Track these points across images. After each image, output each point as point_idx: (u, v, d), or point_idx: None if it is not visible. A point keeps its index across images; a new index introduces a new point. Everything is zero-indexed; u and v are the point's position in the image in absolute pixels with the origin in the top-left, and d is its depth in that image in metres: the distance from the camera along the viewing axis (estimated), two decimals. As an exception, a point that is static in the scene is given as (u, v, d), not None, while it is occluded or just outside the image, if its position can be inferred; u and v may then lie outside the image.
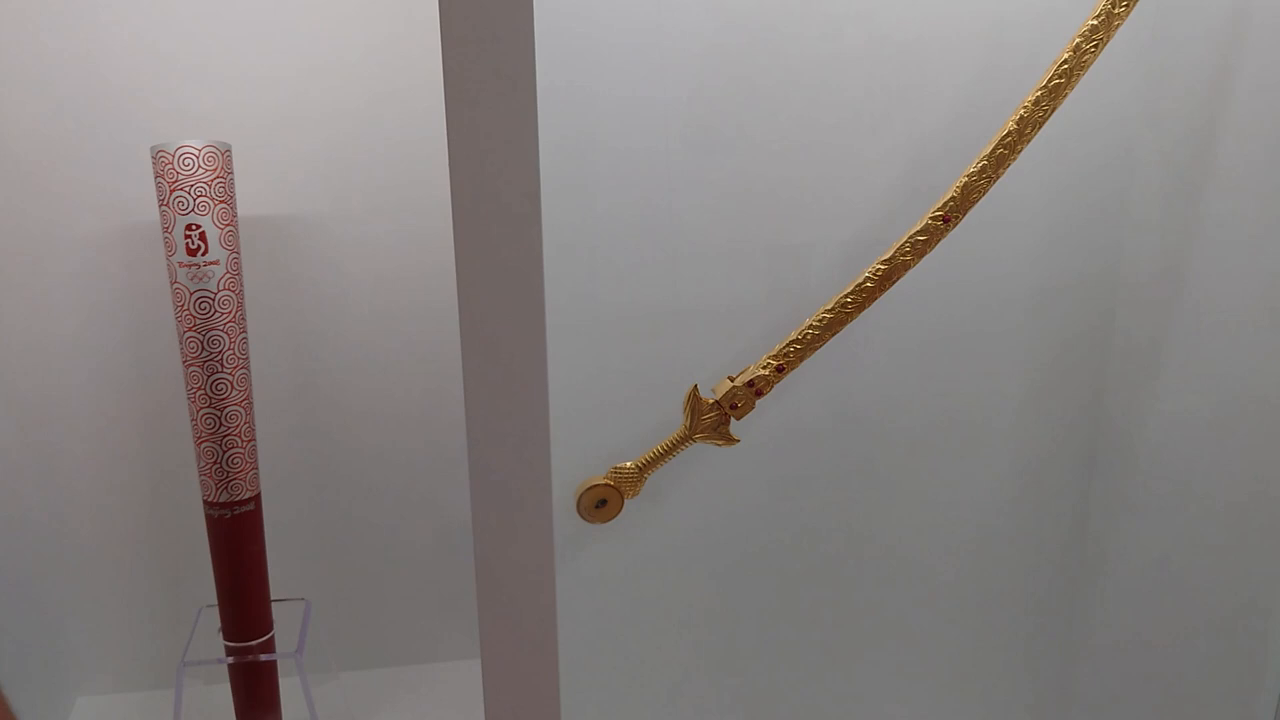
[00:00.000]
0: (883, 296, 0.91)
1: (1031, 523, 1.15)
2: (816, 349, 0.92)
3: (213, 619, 1.13)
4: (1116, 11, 0.84)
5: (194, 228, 0.97)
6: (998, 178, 0.87)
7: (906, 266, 0.90)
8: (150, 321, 1.18)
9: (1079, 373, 1.10)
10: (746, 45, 0.94)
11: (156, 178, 0.96)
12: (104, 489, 1.23)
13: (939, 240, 0.89)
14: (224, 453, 1.03)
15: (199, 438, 1.03)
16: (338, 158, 1.16)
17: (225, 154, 0.98)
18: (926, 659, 1.18)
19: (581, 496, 0.94)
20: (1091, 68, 0.87)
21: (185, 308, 0.99)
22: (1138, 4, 0.85)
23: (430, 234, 1.17)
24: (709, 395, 0.94)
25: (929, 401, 1.08)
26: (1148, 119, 1.02)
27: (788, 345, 0.92)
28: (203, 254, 0.97)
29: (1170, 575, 1.08)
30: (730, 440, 0.95)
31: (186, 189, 0.96)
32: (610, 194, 0.94)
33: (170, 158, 0.95)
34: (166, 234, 0.98)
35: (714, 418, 0.94)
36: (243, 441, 1.04)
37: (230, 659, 1.10)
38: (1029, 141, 0.87)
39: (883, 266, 0.90)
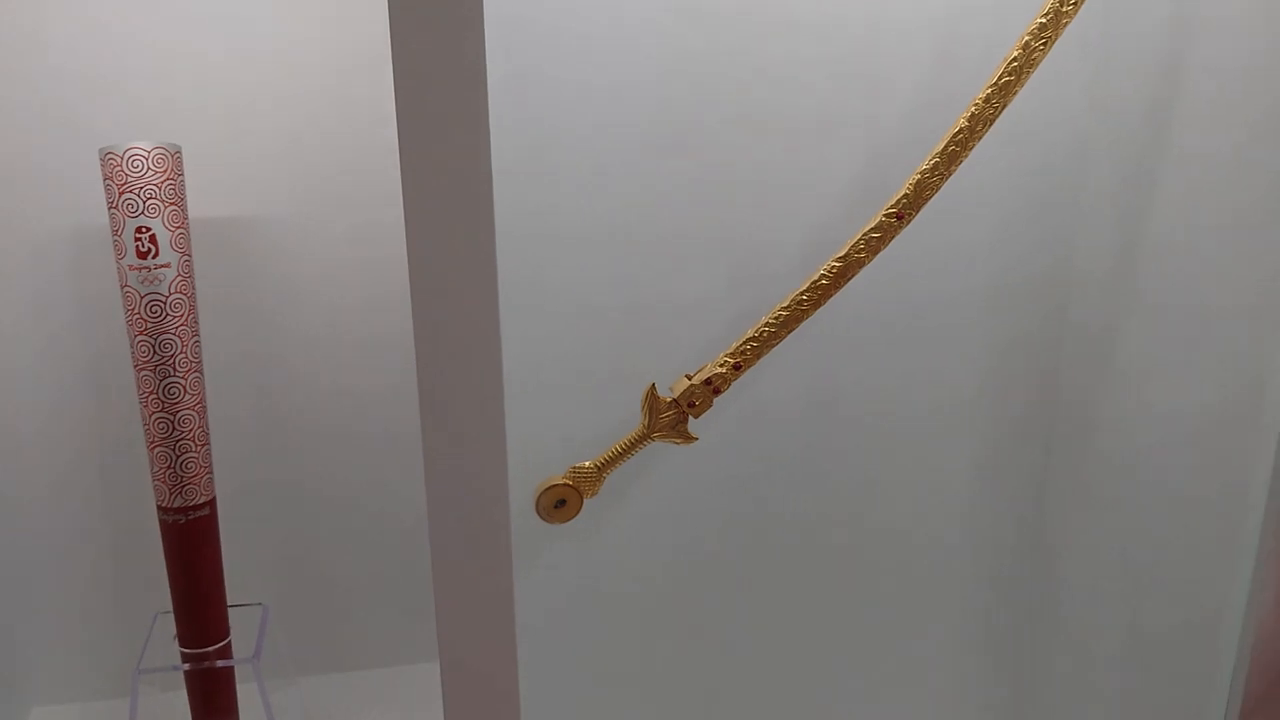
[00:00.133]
0: (842, 292, 0.92)
1: (991, 516, 1.16)
2: (773, 346, 0.93)
3: (168, 625, 1.11)
4: (1064, 10, 0.84)
5: (144, 230, 0.95)
6: (950, 174, 0.88)
7: (861, 263, 0.90)
8: (102, 325, 1.16)
9: (1035, 366, 1.11)
10: (707, 37, 0.94)
11: (105, 180, 0.95)
12: (56, 495, 1.21)
13: (893, 237, 0.89)
14: (178, 457, 1.02)
15: (152, 442, 1.01)
16: (289, 154, 1.15)
17: (175, 155, 0.97)
18: (890, 654, 1.19)
19: (540, 497, 0.93)
20: (1043, 65, 0.88)
21: (136, 311, 0.97)
22: (1085, 3, 0.85)
23: (386, 228, 1.16)
24: (667, 394, 0.94)
25: (888, 397, 1.09)
26: (1098, 115, 1.03)
27: (744, 343, 0.92)
28: (153, 257, 0.96)
29: (1126, 564, 1.09)
30: (689, 438, 0.95)
31: (136, 191, 0.94)
32: (568, 191, 0.94)
33: (119, 160, 0.94)
34: (116, 237, 0.96)
35: (672, 416, 0.94)
36: (197, 446, 1.02)
37: (186, 666, 1.09)
38: (980, 138, 0.87)
39: (838, 264, 0.90)
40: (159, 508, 1.04)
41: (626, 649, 1.09)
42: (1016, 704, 1.24)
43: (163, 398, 1.00)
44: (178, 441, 1.01)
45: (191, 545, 1.05)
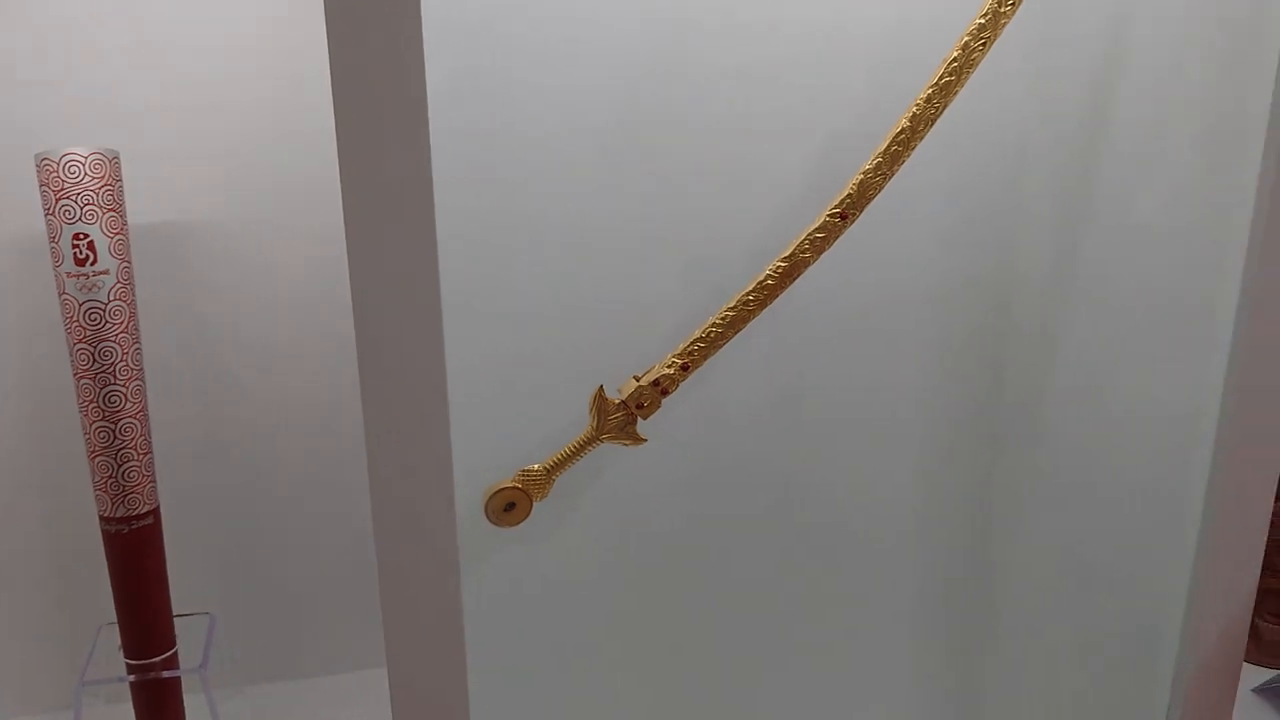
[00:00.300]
0: (793, 295, 0.92)
1: (941, 515, 1.17)
2: (721, 346, 0.93)
3: (113, 637, 1.10)
4: (1003, 10, 0.85)
5: (82, 237, 0.94)
6: (893, 174, 0.89)
7: (807, 263, 0.91)
8: (41, 334, 1.14)
9: (982, 365, 1.12)
10: (656, 39, 0.94)
11: (41, 186, 0.94)
12: (-4, 506, 1.19)
13: (837, 236, 0.90)
14: (119, 466, 1.00)
15: (92, 452, 1.00)
16: (229, 158, 1.14)
17: (113, 161, 0.96)
18: (844, 652, 1.20)
19: (489, 500, 0.93)
20: (988, 68, 0.89)
21: (75, 319, 0.96)
22: (1023, 4, 0.86)
23: (329, 232, 1.15)
24: (615, 395, 0.94)
25: (839, 398, 1.09)
26: (1040, 118, 1.04)
27: (692, 344, 0.92)
28: (92, 264, 0.95)
29: (1073, 560, 1.11)
30: (638, 440, 0.95)
31: (73, 197, 0.93)
32: (515, 192, 0.93)
33: (55, 165, 0.92)
34: (53, 244, 0.95)
35: (620, 418, 0.94)
36: (139, 454, 1.01)
37: (132, 677, 1.07)
38: (922, 138, 0.88)
39: (783, 264, 0.91)
40: (101, 517, 1.03)
41: (577, 652, 1.09)
42: (968, 696, 1.25)
43: (103, 406, 0.98)
44: (119, 450, 1.00)
45: (135, 555, 1.04)
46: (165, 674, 1.08)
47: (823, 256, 0.92)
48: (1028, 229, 1.08)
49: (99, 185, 0.94)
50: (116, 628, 1.08)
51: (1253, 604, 0.95)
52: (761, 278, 0.91)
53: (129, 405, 0.99)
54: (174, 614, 1.10)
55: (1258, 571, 0.94)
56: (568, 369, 0.96)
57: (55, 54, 1.08)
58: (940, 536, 1.18)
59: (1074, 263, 1.05)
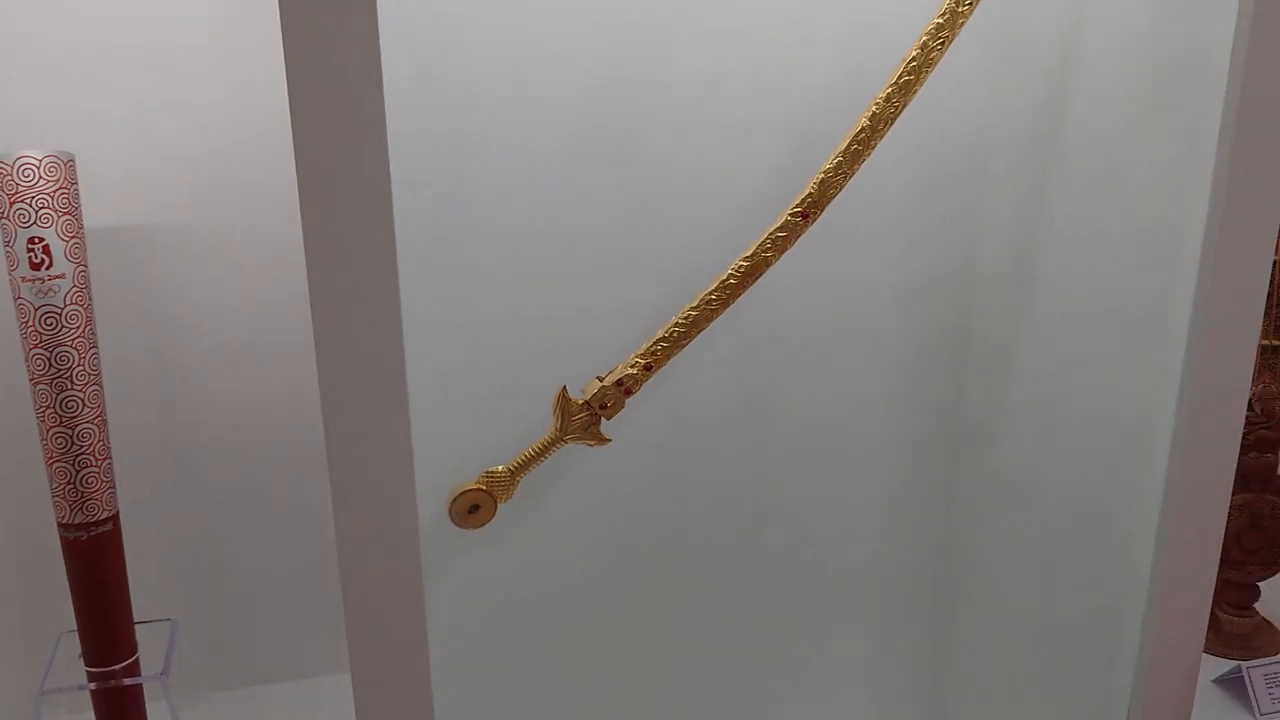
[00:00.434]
0: (754, 293, 0.92)
1: (905, 512, 1.18)
2: (684, 346, 0.93)
3: (74, 644, 1.09)
4: (960, 10, 0.86)
5: (37, 241, 0.93)
6: (853, 173, 0.89)
7: (769, 262, 0.91)
8: (-5, 338, 1.13)
9: (942, 368, 1.13)
10: (616, 45, 0.94)
11: (-5, 189, 0.92)
12: (-49, 515, 1.18)
13: (798, 236, 0.90)
14: (78, 472, 0.99)
15: (50, 458, 0.99)
16: (187, 161, 1.13)
17: (69, 164, 0.95)
18: (808, 652, 1.20)
19: (453, 502, 0.93)
20: (948, 70, 0.89)
21: (30, 324, 0.95)
22: (980, 3, 0.87)
23: (289, 236, 1.14)
24: (579, 396, 0.94)
25: (801, 397, 1.10)
26: (1001, 122, 1.05)
27: (655, 344, 0.93)
28: (47, 268, 0.93)
29: (1035, 560, 1.12)
30: (602, 440, 0.95)
31: (27, 201, 0.92)
32: (477, 193, 0.93)
33: (9, 169, 0.91)
34: (8, 248, 0.94)
35: (584, 418, 0.94)
36: (97, 460, 1.00)
37: (93, 685, 1.06)
38: (882, 137, 0.89)
39: (745, 263, 0.91)
40: (60, 524, 1.01)
41: (542, 654, 1.09)
42: (934, 690, 1.26)
43: (60, 412, 0.97)
44: (77, 456, 0.99)
45: (95, 562, 1.03)
46: (127, 681, 1.07)
47: (786, 260, 0.92)
48: (988, 233, 1.09)
49: (54, 188, 0.93)
50: (77, 635, 1.06)
51: (1211, 596, 0.96)
52: (724, 277, 0.91)
53: (86, 410, 0.98)
54: (135, 621, 1.08)
55: (1216, 564, 0.95)
56: (531, 371, 0.96)
57: (8, 56, 1.07)
58: (905, 535, 1.18)
59: (1033, 266, 1.06)
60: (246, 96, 1.12)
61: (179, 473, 1.22)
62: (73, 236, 0.95)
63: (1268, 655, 1.36)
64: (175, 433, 1.21)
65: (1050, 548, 1.10)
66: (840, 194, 0.91)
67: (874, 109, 0.88)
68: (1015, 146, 1.05)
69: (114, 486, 1.03)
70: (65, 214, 0.94)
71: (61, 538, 1.02)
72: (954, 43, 0.88)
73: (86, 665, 1.06)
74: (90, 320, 0.98)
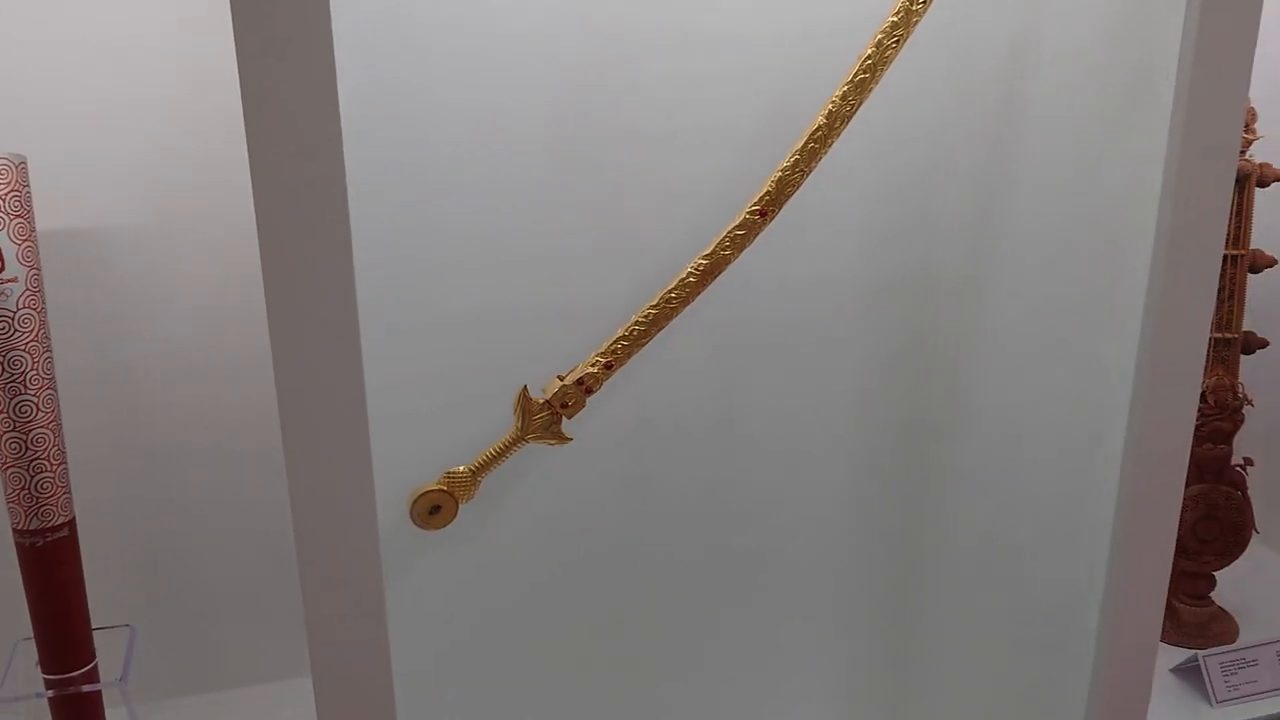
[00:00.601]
0: (719, 297, 0.93)
1: (865, 512, 1.18)
2: (644, 344, 0.93)
3: (31, 652, 1.07)
4: (914, 9, 0.87)
5: (-12, 244, 0.92)
6: (810, 170, 0.90)
7: (728, 260, 0.91)
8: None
9: (904, 369, 1.14)
10: (580, 48, 0.94)
11: (-55, 193, 0.91)
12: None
13: (757, 234, 0.91)
14: (32, 478, 0.98)
15: (3, 464, 0.97)
16: (142, 163, 1.12)
17: (20, 166, 0.93)
18: (773, 652, 1.20)
19: (414, 503, 0.92)
20: (907, 71, 0.90)
21: (-18, 328, 0.94)
22: (934, 3, 0.88)
23: (245, 238, 1.13)
24: (539, 395, 0.94)
25: (763, 399, 1.10)
26: (960, 124, 1.06)
27: (615, 342, 0.93)
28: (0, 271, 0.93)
29: (991, 550, 1.13)
30: (563, 439, 0.95)
31: (-22, 203, 0.91)
32: (437, 196, 0.93)
33: (-42, 171, 0.90)
34: (-42, 251, 0.93)
35: (545, 418, 0.94)
36: (52, 465, 0.99)
37: (50, 692, 1.05)
38: (839, 134, 0.89)
39: (705, 261, 0.91)
40: (14, 530, 1.00)
41: (505, 655, 1.08)
42: (895, 684, 1.27)
43: (14, 417, 0.96)
44: (31, 461, 0.97)
45: (51, 568, 1.01)
46: (85, 688, 1.05)
47: (749, 263, 0.93)
48: (948, 235, 1.10)
49: (5, 191, 0.92)
50: (33, 642, 1.05)
51: (1168, 586, 0.98)
52: (683, 275, 0.92)
53: (40, 415, 0.97)
54: (93, 627, 1.07)
55: (1171, 554, 0.96)
56: (492, 373, 0.96)
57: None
58: (868, 531, 1.19)
59: (991, 267, 1.07)
60: (202, 98, 1.11)
61: (136, 477, 1.21)
62: (25, 240, 0.94)
63: (1223, 644, 1.37)
64: (132, 437, 1.20)
65: (1009, 542, 1.12)
66: (803, 197, 0.91)
67: (830, 107, 0.89)
68: (973, 152, 1.06)
69: (70, 492, 1.02)
70: (17, 217, 0.93)
71: (17, 544, 1.01)
72: (914, 46, 0.89)
73: (44, 672, 1.05)
74: (44, 324, 0.97)
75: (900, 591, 1.22)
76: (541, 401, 0.93)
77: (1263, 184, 1.31)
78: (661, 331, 0.93)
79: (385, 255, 0.89)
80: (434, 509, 0.93)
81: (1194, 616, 1.41)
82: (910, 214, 1.08)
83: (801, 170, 0.90)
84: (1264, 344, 1.36)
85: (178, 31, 1.10)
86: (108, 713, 1.11)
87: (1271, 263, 1.33)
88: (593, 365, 0.93)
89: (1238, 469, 1.38)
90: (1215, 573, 1.42)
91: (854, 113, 0.89)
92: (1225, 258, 1.31)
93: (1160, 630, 0.99)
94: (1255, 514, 1.38)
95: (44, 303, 0.97)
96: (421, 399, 0.95)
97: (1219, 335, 1.33)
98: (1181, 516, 0.95)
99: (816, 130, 0.89)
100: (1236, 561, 1.40)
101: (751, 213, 0.90)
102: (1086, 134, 0.98)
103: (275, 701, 1.28)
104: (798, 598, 1.19)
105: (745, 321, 1.06)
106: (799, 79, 0.96)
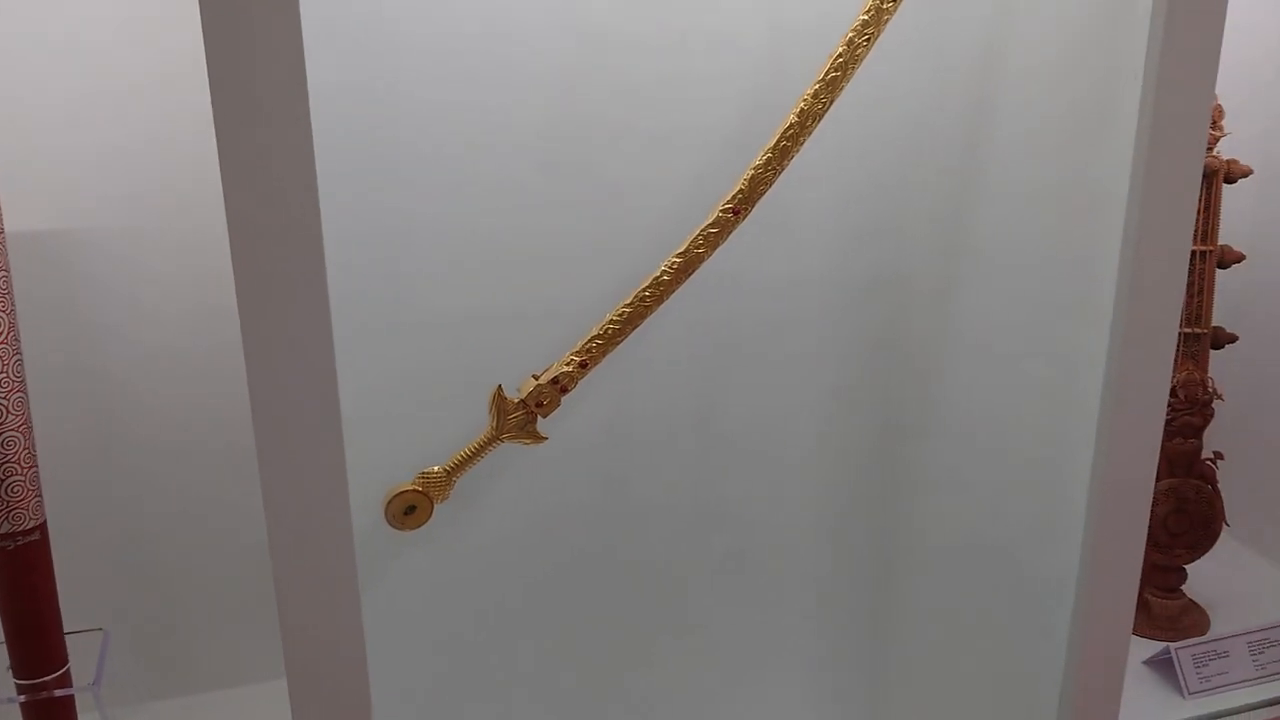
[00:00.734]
0: (694, 297, 0.94)
1: (843, 511, 1.19)
2: (618, 343, 0.93)
3: (2, 657, 1.06)
4: (885, 7, 0.87)
5: (-45, 246, 0.91)
6: (783, 168, 0.90)
7: (701, 258, 0.92)
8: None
9: (879, 368, 1.15)
10: (558, 48, 0.94)
11: (-90, 194, 0.90)
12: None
13: (730, 232, 0.91)
14: (2, 481, 0.97)
15: (-26, 467, 0.97)
16: (112, 162, 1.11)
17: (-13, 166, 0.93)
18: (751, 650, 1.21)
19: (389, 503, 0.92)
20: (879, 70, 0.91)
21: (-49, 331, 0.93)
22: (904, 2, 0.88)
23: (217, 238, 1.12)
24: (514, 395, 0.93)
25: (739, 399, 1.10)
26: (935, 123, 1.07)
27: (589, 341, 0.93)
28: (-33, 273, 0.92)
29: (965, 543, 1.14)
30: (538, 438, 0.95)
31: (-56, 204, 0.90)
32: (412, 196, 0.93)
33: (-76, 171, 0.89)
34: (-75, 253, 0.92)
35: (520, 417, 0.94)
36: (23, 468, 0.98)
37: (22, 697, 1.04)
38: (810, 133, 0.90)
39: (678, 259, 0.91)
40: (-15, 534, 1.00)
41: (481, 655, 1.08)
42: (869, 675, 1.27)
43: (-17, 420, 0.95)
44: (2, 464, 0.96)
45: (22, 572, 1.01)
46: (58, 693, 1.05)
47: (725, 264, 0.93)
48: (921, 236, 1.10)
49: (-28, 192, 0.91)
50: (4, 647, 1.04)
51: (1139, 579, 0.98)
52: (657, 274, 0.92)
53: (11, 418, 0.96)
54: (65, 631, 1.07)
55: (1143, 547, 0.97)
56: (466, 371, 0.96)
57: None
58: (843, 526, 1.20)
59: (964, 264, 1.08)
60: (172, 97, 1.10)
61: (108, 480, 1.20)
62: (-7, 241, 0.93)
63: (1195, 636, 1.39)
64: (103, 439, 1.19)
65: (984, 539, 1.12)
66: (779, 197, 0.91)
67: (802, 105, 0.89)
68: (948, 152, 1.07)
69: (41, 495, 1.01)
70: (-16, 218, 0.92)
71: (-13, 548, 1.00)
72: (888, 48, 0.89)
73: (16, 677, 1.04)
74: (13, 326, 0.96)
75: (877, 588, 1.23)
76: (516, 401, 0.93)
77: (1230, 180, 1.33)
78: (637, 330, 0.93)
79: (361, 255, 0.88)
80: (409, 509, 0.92)
81: (1166, 609, 1.43)
82: (886, 215, 1.09)
83: (774, 168, 0.90)
84: (1233, 339, 1.38)
85: (146, 32, 1.09)
86: (81, 717, 1.10)
87: (1240, 258, 1.34)
88: (567, 364, 0.93)
89: (1208, 463, 1.40)
90: (1186, 566, 1.43)
91: (825, 111, 0.89)
92: (1194, 253, 1.32)
93: (1133, 623, 1.00)
94: (1225, 507, 1.40)
95: (13, 305, 0.96)
96: (396, 399, 0.95)
97: (1188, 330, 1.34)
98: (1153, 510, 0.96)
99: (789, 128, 0.89)
100: (1207, 554, 1.42)
101: (725, 211, 0.90)
102: (1058, 134, 0.99)
103: (250, 704, 1.28)
104: (775, 596, 1.19)
105: (722, 321, 1.06)
106: (782, 80, 0.96)
